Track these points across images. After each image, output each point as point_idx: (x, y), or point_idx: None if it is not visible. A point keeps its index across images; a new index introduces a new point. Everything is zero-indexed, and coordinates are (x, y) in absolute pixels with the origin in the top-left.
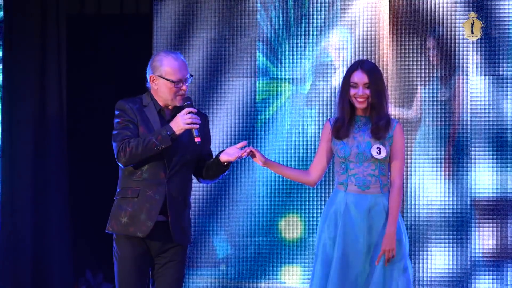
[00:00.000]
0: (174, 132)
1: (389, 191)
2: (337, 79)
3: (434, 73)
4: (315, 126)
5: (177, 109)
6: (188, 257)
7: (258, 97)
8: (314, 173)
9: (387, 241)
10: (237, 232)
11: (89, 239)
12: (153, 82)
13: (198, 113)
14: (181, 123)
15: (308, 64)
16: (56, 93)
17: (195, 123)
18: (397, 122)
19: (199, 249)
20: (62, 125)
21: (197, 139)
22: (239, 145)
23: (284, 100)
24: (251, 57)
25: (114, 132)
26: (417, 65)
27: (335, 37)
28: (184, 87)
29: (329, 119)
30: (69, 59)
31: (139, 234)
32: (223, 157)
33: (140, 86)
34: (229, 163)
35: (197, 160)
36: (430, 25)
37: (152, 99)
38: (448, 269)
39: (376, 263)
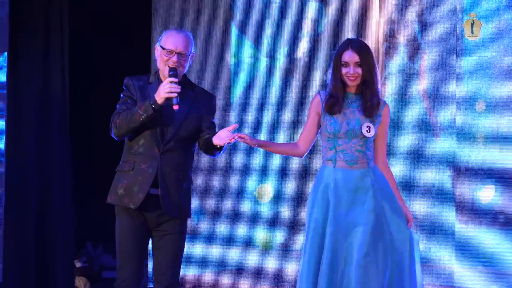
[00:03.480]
0: (156, 102)
1: (374, 166)
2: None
3: (399, 46)
4: (291, 97)
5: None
6: None
7: (233, 69)
8: (303, 145)
9: (408, 212)
10: (211, 198)
11: (89, 213)
12: (156, 53)
13: (205, 92)
14: (161, 92)
15: (283, 36)
16: (59, 70)
17: (174, 92)
18: (385, 102)
19: None
20: (65, 101)
21: (175, 107)
22: (230, 127)
23: (258, 71)
24: (226, 31)
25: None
26: (381, 38)
27: (309, 9)
28: (174, 59)
29: (319, 92)
30: (71, 39)
31: (132, 206)
32: (215, 141)
33: (139, 66)
34: (221, 146)
35: (196, 134)
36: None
37: (158, 76)
38: (426, 236)
39: (409, 226)
